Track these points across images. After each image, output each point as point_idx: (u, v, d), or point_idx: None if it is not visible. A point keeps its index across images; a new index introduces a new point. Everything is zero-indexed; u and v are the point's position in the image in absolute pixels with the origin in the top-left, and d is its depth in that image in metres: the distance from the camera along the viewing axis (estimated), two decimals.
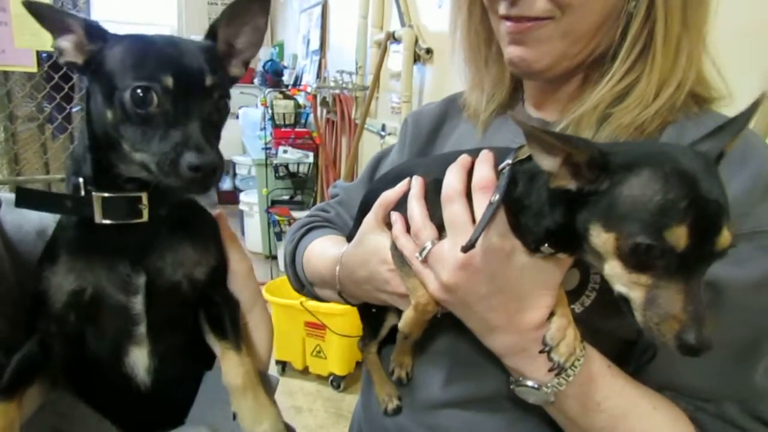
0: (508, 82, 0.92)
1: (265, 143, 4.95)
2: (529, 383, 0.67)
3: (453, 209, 0.69)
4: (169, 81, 0.60)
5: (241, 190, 6.06)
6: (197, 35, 0.71)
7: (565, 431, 0.72)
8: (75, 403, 0.65)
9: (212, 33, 0.69)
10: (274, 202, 4.93)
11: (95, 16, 4.30)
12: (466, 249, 0.62)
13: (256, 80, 6.66)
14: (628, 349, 0.74)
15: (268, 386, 0.72)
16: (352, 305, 0.93)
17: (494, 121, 0.92)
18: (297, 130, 5.14)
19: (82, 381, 0.68)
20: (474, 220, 0.67)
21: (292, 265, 1.05)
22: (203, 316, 0.71)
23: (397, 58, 3.15)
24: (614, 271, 0.55)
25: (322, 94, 4.46)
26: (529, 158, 0.66)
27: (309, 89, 4.76)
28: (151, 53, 0.62)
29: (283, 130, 5.11)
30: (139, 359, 0.67)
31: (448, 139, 0.98)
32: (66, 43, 0.64)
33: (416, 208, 0.74)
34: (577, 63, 0.77)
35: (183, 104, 0.61)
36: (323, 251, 0.96)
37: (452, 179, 0.70)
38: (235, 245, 0.76)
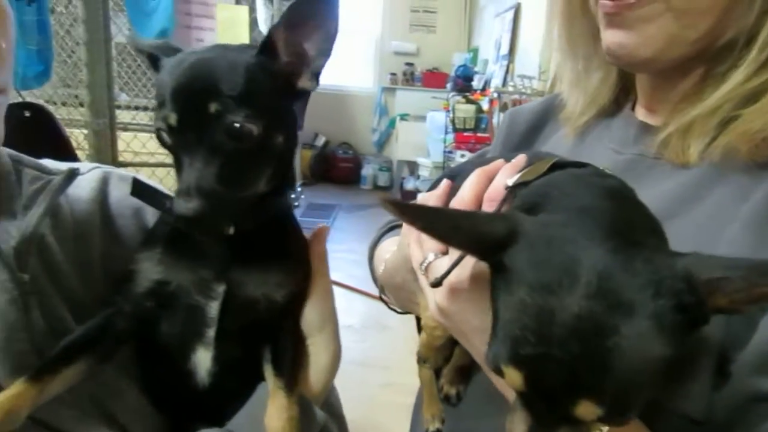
0: (614, 84, 0.77)
1: (445, 147, 4.98)
2: None
3: None
4: (172, 119, 0.58)
5: (421, 191, 6.20)
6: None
7: None
8: (119, 377, 0.69)
9: (268, 45, 0.63)
10: None
11: None
12: (435, 284, 0.54)
13: (448, 85, 6.74)
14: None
15: (313, 424, 0.69)
16: (399, 313, 0.87)
17: (593, 127, 0.79)
18: (478, 135, 5.09)
19: (143, 363, 0.73)
20: None
21: (370, 264, 0.99)
22: (269, 345, 0.71)
23: None
24: None
25: (502, 99, 4.35)
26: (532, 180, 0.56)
27: (491, 94, 4.68)
28: (166, 84, 0.60)
29: (465, 134, 5.10)
30: (203, 360, 0.69)
31: (547, 143, 0.85)
32: None
33: None
34: (697, 51, 0.61)
35: (185, 140, 0.59)
36: (386, 252, 0.90)
37: (467, 187, 0.61)
38: (321, 264, 0.74)
